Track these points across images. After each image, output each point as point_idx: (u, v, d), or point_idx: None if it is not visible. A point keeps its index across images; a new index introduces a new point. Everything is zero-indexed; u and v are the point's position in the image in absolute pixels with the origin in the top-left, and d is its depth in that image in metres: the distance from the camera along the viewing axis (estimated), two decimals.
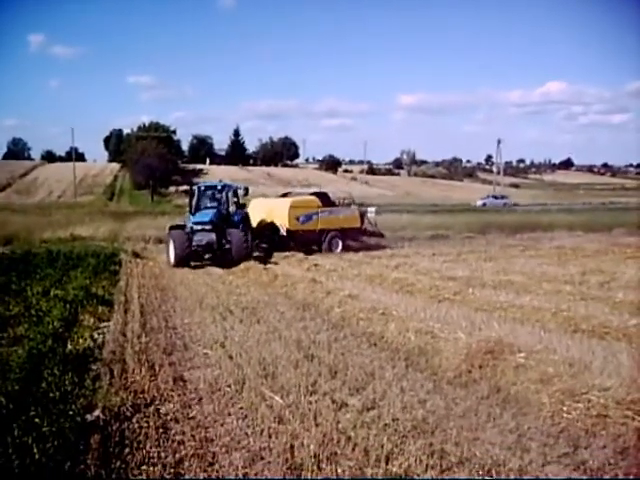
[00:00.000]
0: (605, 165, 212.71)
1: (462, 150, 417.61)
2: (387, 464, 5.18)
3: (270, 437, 5.83)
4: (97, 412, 6.46)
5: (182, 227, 22.01)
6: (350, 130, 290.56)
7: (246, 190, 23.84)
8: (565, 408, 6.48)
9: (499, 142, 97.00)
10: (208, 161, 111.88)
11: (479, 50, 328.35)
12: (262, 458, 5.41)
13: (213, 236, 21.15)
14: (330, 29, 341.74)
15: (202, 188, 23.64)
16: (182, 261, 20.58)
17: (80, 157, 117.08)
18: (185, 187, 79.95)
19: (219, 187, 23.37)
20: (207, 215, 21.93)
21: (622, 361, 7.55)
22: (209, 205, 22.72)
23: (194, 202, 22.73)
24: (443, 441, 5.66)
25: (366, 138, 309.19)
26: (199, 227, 21.48)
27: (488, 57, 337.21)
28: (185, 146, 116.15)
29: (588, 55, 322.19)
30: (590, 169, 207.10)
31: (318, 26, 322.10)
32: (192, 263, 20.98)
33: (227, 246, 21.19)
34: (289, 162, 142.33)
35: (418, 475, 5.01)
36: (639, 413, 6.11)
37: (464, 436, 5.79)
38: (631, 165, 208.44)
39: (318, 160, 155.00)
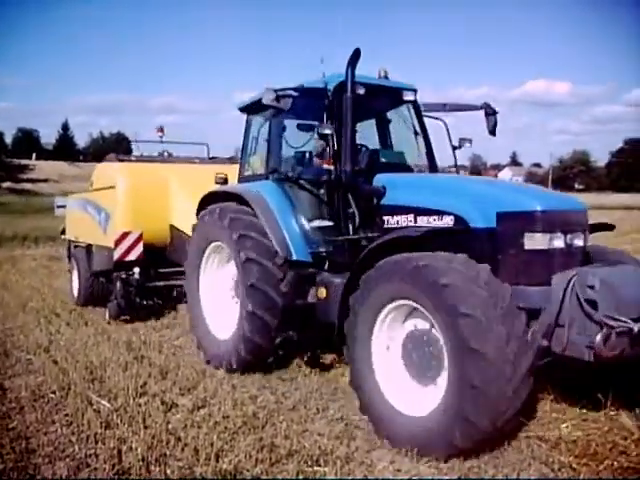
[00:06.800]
0: None
1: None
2: (217, 461, 5.17)
3: (97, 443, 5.62)
4: None
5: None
6: (187, 127, 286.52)
7: None
8: None
9: None
10: (34, 156, 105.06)
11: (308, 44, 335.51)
12: (88, 465, 5.21)
13: None
14: (163, 26, 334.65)
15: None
16: None
17: None
18: (9, 183, 75.44)
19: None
20: None
21: None
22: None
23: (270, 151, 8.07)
24: (273, 435, 5.76)
25: (203, 135, 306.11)
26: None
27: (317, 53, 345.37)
28: (9, 139, 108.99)
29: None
30: None
31: (151, 20, 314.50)
32: None
33: None
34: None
35: (248, 470, 5.06)
36: None
37: (294, 429, 5.92)
38: None
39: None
